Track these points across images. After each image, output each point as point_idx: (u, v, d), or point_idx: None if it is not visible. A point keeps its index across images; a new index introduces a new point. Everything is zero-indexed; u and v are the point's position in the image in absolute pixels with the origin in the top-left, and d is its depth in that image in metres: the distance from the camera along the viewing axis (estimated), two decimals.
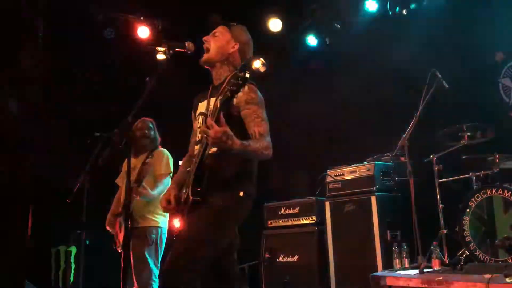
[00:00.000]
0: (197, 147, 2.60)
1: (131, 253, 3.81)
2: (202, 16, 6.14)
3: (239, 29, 2.76)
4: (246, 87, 2.31)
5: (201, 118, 2.69)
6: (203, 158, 2.43)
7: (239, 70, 2.21)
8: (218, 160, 2.48)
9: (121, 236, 3.99)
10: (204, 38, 2.71)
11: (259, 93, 2.57)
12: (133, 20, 6.21)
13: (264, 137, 2.44)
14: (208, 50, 2.68)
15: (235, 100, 2.34)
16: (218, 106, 2.26)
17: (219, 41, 2.68)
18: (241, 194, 2.49)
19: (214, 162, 2.47)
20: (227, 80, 2.55)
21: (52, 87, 5.66)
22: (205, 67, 2.75)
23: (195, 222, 2.43)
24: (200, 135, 2.60)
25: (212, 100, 2.63)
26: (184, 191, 2.55)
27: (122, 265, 4.05)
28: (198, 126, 2.70)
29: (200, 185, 2.42)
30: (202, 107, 2.74)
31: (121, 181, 4.25)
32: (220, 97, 2.28)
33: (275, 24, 6.41)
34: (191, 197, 2.43)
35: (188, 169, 2.64)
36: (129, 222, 3.64)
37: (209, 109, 2.62)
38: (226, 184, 2.48)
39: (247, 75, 2.18)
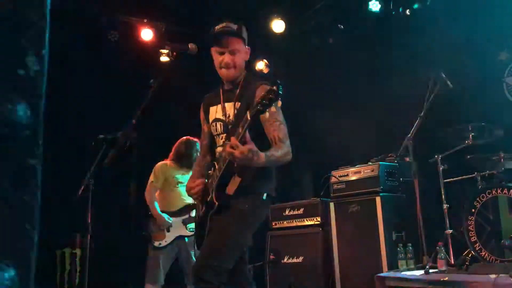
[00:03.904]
0: (220, 149, 2.63)
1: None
2: (204, 18, 6.17)
3: (245, 31, 2.70)
4: (262, 89, 2.39)
5: (218, 124, 2.69)
6: (228, 164, 2.46)
7: (272, 84, 2.18)
8: (242, 166, 2.49)
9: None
10: (226, 61, 2.59)
11: None
12: (136, 22, 6.23)
13: (284, 142, 2.48)
14: (234, 66, 2.62)
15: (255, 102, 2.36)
16: (249, 118, 2.23)
17: (241, 58, 2.64)
18: (265, 196, 2.57)
19: (238, 168, 2.50)
20: (239, 87, 2.59)
21: (55, 90, 5.68)
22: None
23: (221, 224, 2.48)
24: (222, 140, 2.63)
25: (228, 105, 2.64)
26: (209, 194, 2.60)
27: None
28: (217, 133, 2.70)
29: (225, 191, 2.48)
30: (215, 111, 2.73)
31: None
32: (251, 110, 2.23)
33: (278, 25, 6.42)
34: (216, 202, 2.49)
35: (209, 172, 2.68)
36: None
37: (226, 114, 2.63)
38: (250, 188, 2.52)
39: (281, 90, 2.15)
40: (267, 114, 2.36)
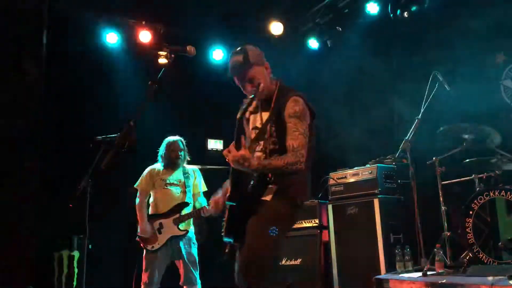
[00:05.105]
0: (259, 154, 2.69)
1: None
2: (202, 21, 6.18)
3: (252, 52, 2.72)
4: (292, 100, 2.56)
5: (254, 132, 2.77)
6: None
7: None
8: (278, 173, 2.59)
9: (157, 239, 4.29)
10: (249, 91, 2.71)
11: (303, 105, 2.64)
12: (135, 24, 6.23)
13: (296, 151, 2.54)
14: (258, 92, 2.70)
15: (284, 112, 2.58)
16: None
17: (261, 79, 2.71)
18: (298, 201, 2.66)
19: (273, 175, 2.60)
20: (274, 98, 2.70)
21: (55, 91, 5.68)
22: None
23: (258, 226, 2.54)
24: (262, 143, 2.71)
25: (264, 114, 2.74)
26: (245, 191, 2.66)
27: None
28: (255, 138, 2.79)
29: (260, 194, 2.59)
30: (254, 119, 2.82)
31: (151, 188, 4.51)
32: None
33: (276, 27, 6.43)
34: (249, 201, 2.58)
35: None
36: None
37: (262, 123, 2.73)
38: (285, 193, 2.60)
39: None
40: (290, 124, 2.57)
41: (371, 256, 4.47)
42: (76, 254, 5.66)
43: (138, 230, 4.36)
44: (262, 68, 2.74)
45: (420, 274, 3.89)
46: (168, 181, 4.45)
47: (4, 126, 4.72)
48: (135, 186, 4.51)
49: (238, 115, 2.88)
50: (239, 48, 2.73)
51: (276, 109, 2.65)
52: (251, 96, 2.70)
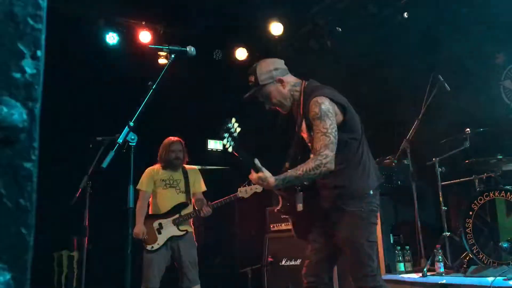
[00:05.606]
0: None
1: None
2: (202, 21, 6.18)
3: (260, 71, 2.78)
4: (312, 103, 2.58)
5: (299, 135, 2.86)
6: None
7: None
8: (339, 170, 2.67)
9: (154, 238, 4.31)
10: (269, 109, 2.86)
11: (325, 104, 2.62)
12: (135, 25, 6.24)
13: (320, 153, 2.55)
14: (278, 106, 2.83)
15: (309, 117, 2.62)
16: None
17: (276, 95, 2.79)
18: (371, 192, 2.70)
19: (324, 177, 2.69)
20: (301, 102, 2.76)
21: (54, 92, 5.68)
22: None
23: (349, 234, 2.63)
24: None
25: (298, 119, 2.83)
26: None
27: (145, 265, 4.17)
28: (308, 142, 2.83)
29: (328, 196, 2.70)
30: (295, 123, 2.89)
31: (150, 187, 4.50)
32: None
33: (276, 28, 6.43)
34: (326, 206, 2.69)
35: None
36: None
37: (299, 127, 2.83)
38: (355, 191, 2.67)
39: None
40: (314, 127, 2.59)
41: None
42: (75, 254, 5.66)
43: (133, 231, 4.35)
44: (274, 85, 2.78)
45: (420, 274, 3.90)
46: (168, 182, 4.45)
47: (0, 127, 4.73)
48: (137, 187, 4.50)
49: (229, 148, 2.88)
50: (251, 67, 2.82)
51: (305, 115, 2.70)
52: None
